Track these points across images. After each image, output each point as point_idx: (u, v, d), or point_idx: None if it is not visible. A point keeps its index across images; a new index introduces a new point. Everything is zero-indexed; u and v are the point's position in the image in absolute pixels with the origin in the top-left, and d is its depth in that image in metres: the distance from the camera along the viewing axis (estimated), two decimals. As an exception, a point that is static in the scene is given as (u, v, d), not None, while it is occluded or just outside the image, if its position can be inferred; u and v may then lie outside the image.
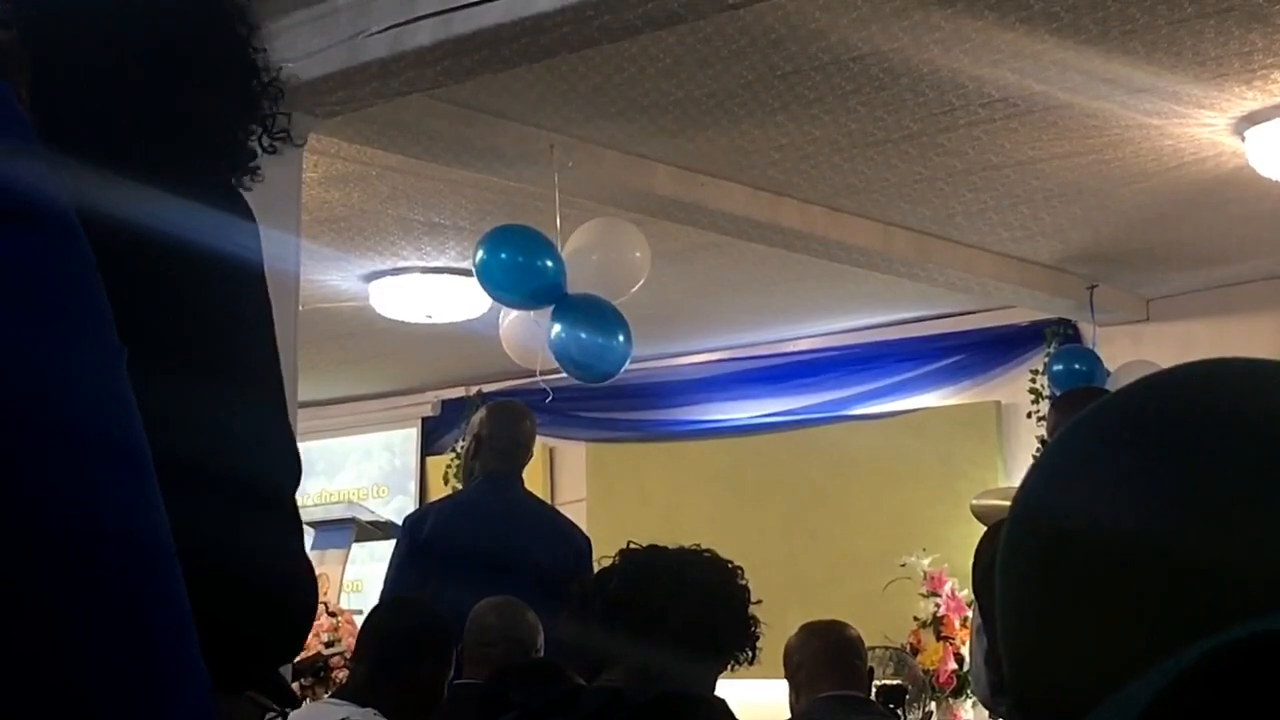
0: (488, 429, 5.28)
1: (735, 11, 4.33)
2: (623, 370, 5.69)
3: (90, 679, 0.87)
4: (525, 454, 5.35)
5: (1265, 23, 4.74)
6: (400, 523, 6.09)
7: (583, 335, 5.38)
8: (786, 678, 3.91)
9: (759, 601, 2.98)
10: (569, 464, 10.04)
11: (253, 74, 1.72)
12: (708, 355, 9.57)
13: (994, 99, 5.34)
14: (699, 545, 3.04)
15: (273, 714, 1.87)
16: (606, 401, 9.31)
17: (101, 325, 0.94)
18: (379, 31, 4.32)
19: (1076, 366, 7.75)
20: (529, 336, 5.72)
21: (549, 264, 5.38)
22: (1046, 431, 4.54)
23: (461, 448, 5.60)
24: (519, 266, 5.36)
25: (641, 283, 5.70)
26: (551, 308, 5.41)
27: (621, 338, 5.44)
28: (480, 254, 5.42)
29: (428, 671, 3.89)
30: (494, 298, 5.62)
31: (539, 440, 9.73)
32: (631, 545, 3.02)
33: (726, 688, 3.04)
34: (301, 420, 5.21)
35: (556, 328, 5.39)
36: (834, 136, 5.72)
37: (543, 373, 5.80)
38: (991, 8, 4.60)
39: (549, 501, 9.79)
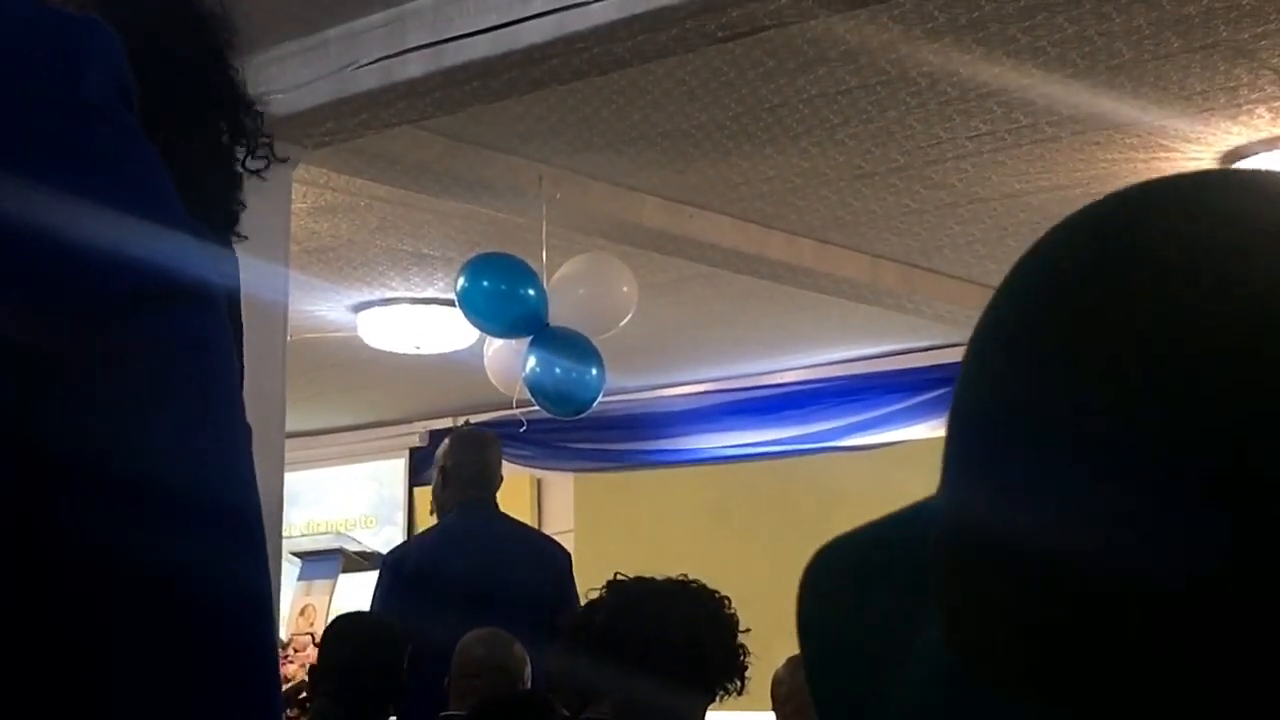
0: (451, 459, 5.27)
1: (724, 45, 4.34)
2: (608, 399, 5.69)
3: None
4: (495, 478, 5.34)
5: (1250, 58, 4.77)
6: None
7: (558, 369, 5.39)
8: (774, 709, 3.91)
9: (747, 631, 2.98)
10: (556, 494, 10.03)
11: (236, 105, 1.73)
12: (696, 386, 9.57)
13: (981, 132, 5.36)
14: (686, 576, 3.04)
15: None
16: (594, 432, 9.31)
17: (241, 404, 0.96)
18: (369, 63, 4.33)
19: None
20: (511, 366, 5.73)
21: (531, 293, 5.39)
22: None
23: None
24: (501, 294, 5.37)
25: (628, 318, 5.70)
26: (530, 338, 5.42)
27: (595, 371, 5.45)
28: (462, 281, 5.44)
29: (373, 686, 3.95)
30: (474, 324, 5.63)
31: (526, 471, 9.72)
32: (619, 577, 3.02)
33: (715, 719, 3.05)
34: (289, 450, 5.21)
35: (533, 360, 5.40)
36: (822, 169, 5.73)
37: (521, 403, 5.80)
38: (979, 42, 4.62)
39: (536, 532, 9.80)
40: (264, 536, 0.93)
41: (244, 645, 0.91)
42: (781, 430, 9.16)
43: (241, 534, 0.92)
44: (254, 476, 0.95)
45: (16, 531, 0.87)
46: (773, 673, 3.97)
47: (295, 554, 8.43)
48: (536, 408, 5.76)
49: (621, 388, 9.05)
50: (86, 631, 0.87)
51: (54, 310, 0.88)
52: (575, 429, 9.00)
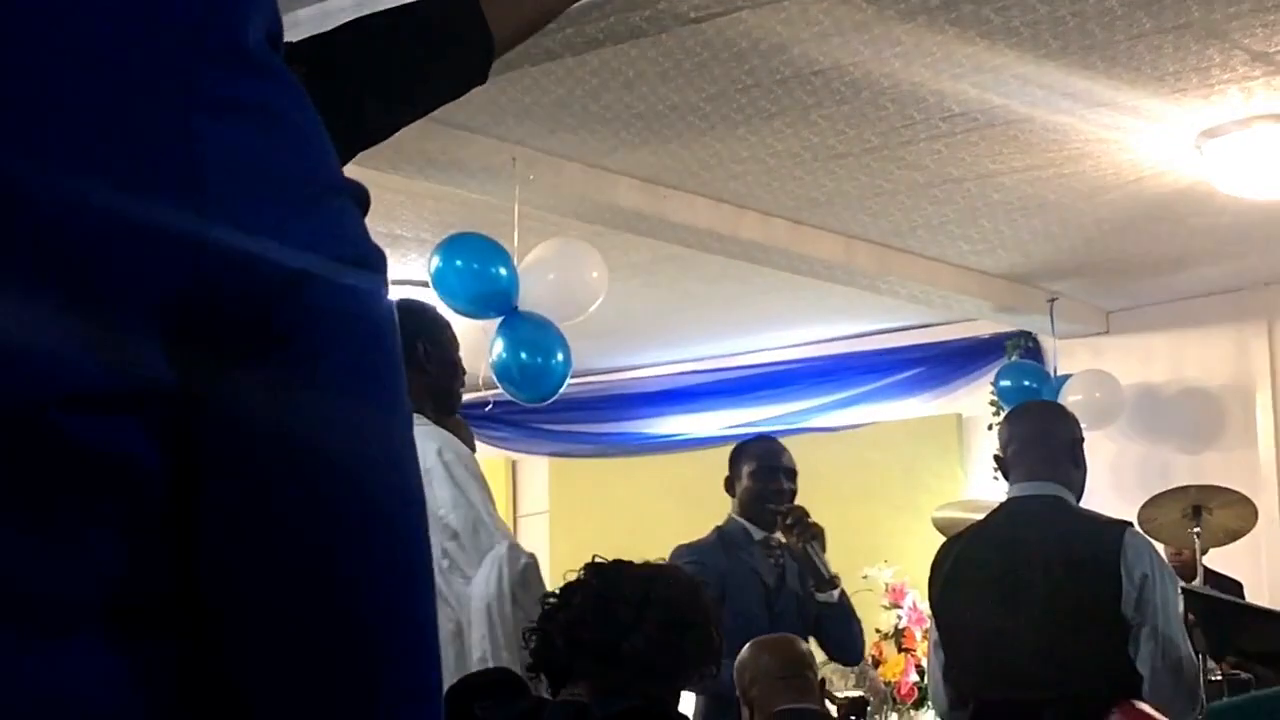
0: None
1: (697, 25, 4.34)
2: (581, 380, 5.69)
3: None
4: None
5: (1222, 39, 4.77)
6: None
7: (523, 354, 5.40)
8: (739, 695, 3.91)
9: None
10: (531, 477, 10.02)
11: None
12: (670, 368, 9.57)
13: (955, 113, 5.36)
14: (664, 560, 3.04)
15: None
16: (569, 414, 9.30)
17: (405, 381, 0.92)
18: (341, 44, 4.30)
19: (1025, 383, 7.79)
20: (478, 347, 5.72)
21: (502, 273, 5.39)
22: (999, 445, 4.54)
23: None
24: (473, 274, 5.37)
25: (599, 303, 5.70)
26: (500, 320, 5.42)
27: (560, 358, 5.46)
28: (436, 261, 5.44)
29: None
30: (446, 304, 5.61)
31: (501, 454, 9.71)
32: (597, 560, 3.02)
33: (690, 702, 3.05)
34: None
35: (500, 343, 5.40)
36: (795, 150, 5.73)
37: (489, 383, 5.79)
38: (952, 23, 4.62)
39: (511, 514, 9.80)
40: (423, 531, 0.89)
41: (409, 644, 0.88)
42: (756, 411, 9.17)
43: (403, 530, 0.87)
44: (417, 463, 0.91)
45: (173, 515, 0.83)
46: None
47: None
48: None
49: (596, 369, 9.06)
50: (244, 621, 0.85)
51: (225, 283, 0.82)
52: (550, 410, 8.98)
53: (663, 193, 6.13)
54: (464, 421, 5.08)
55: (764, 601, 5.03)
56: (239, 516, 0.83)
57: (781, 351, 9.19)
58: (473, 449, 4.93)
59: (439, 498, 3.86)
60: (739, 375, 9.29)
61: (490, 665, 3.72)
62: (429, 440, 3.96)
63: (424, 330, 4.18)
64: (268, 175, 0.85)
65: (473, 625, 3.78)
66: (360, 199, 0.91)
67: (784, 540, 5.11)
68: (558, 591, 3.02)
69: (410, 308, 4.30)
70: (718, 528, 5.26)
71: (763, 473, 5.15)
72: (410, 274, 7.36)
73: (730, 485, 5.26)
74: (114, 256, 0.79)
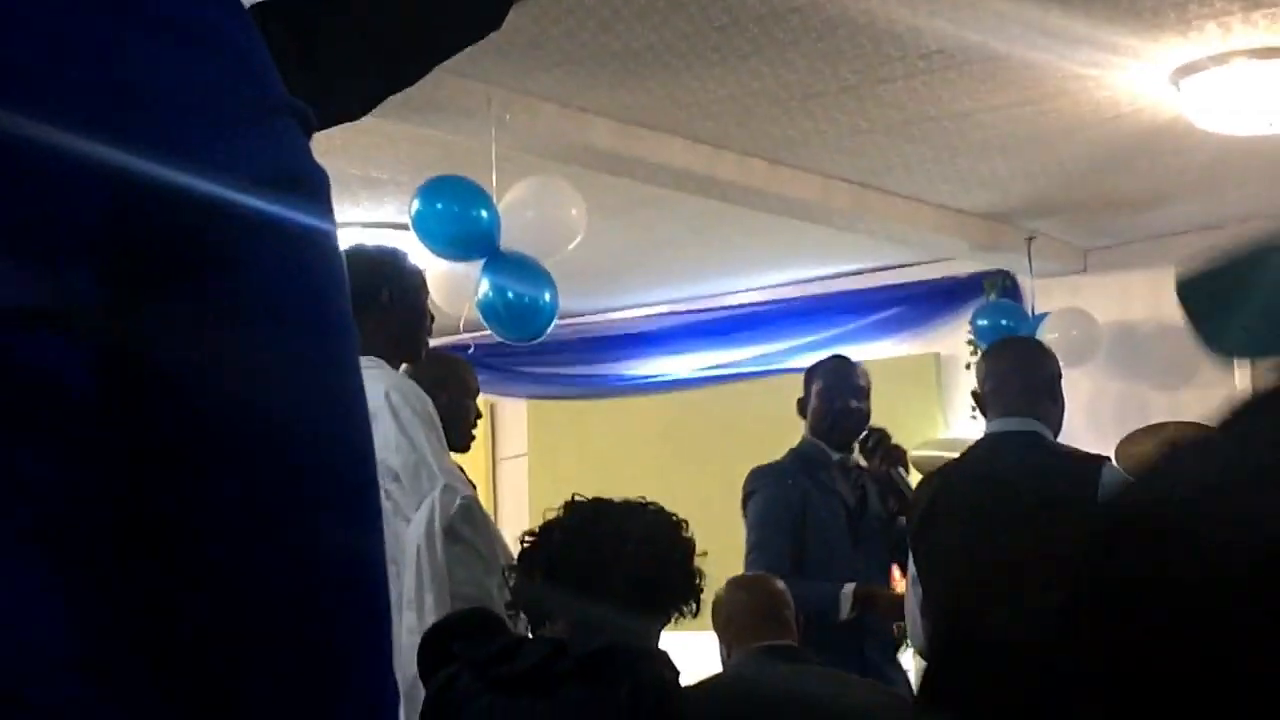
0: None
1: (673, -37, 4.31)
2: (559, 323, 5.69)
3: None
4: None
5: (1201, -27, 4.76)
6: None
7: (510, 294, 5.38)
8: (716, 633, 3.92)
9: (704, 554, 2.99)
10: (510, 420, 10.02)
11: None
12: (648, 309, 9.56)
13: (932, 51, 5.34)
14: (644, 498, 3.04)
15: None
16: (547, 356, 9.29)
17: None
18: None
19: (1003, 322, 7.81)
20: (459, 290, 5.70)
21: (484, 214, 5.38)
22: (977, 382, 4.56)
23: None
24: (454, 217, 5.35)
25: (577, 241, 5.69)
26: (483, 262, 5.41)
27: (549, 297, 5.45)
28: (416, 204, 5.43)
29: None
30: (428, 248, 5.60)
31: (480, 397, 9.70)
32: (576, 498, 3.02)
33: (670, 640, 3.06)
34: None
35: (485, 284, 5.39)
36: (772, 89, 5.71)
37: (469, 326, 5.78)
38: (929, -42, 4.60)
39: (490, 458, 9.80)
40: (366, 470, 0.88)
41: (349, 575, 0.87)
42: (734, 352, 9.17)
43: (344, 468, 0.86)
44: (363, 395, 0.89)
45: (107, 441, 0.81)
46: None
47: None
48: (485, 331, 5.75)
49: (573, 311, 9.04)
50: (186, 547, 0.83)
51: (152, 202, 0.81)
52: (527, 353, 8.99)
53: (639, 133, 6.11)
54: (466, 361, 5.07)
55: (847, 524, 5.02)
56: (175, 442, 0.82)
57: (759, 293, 9.18)
58: (476, 390, 4.92)
59: (384, 440, 3.84)
60: (717, 317, 9.29)
61: (412, 606, 3.74)
62: (378, 383, 3.94)
63: (391, 276, 4.17)
64: (204, 94, 0.83)
65: (405, 568, 3.79)
66: (304, 119, 0.90)
67: (864, 465, 5.10)
68: (536, 530, 3.02)
69: (377, 253, 4.29)
70: (793, 449, 5.23)
71: (832, 392, 5.13)
72: (388, 217, 7.33)
73: (802, 406, 5.24)
74: (39, 173, 0.77)
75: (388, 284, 4.11)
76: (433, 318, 4.37)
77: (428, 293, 4.37)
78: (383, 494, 3.71)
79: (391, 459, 3.83)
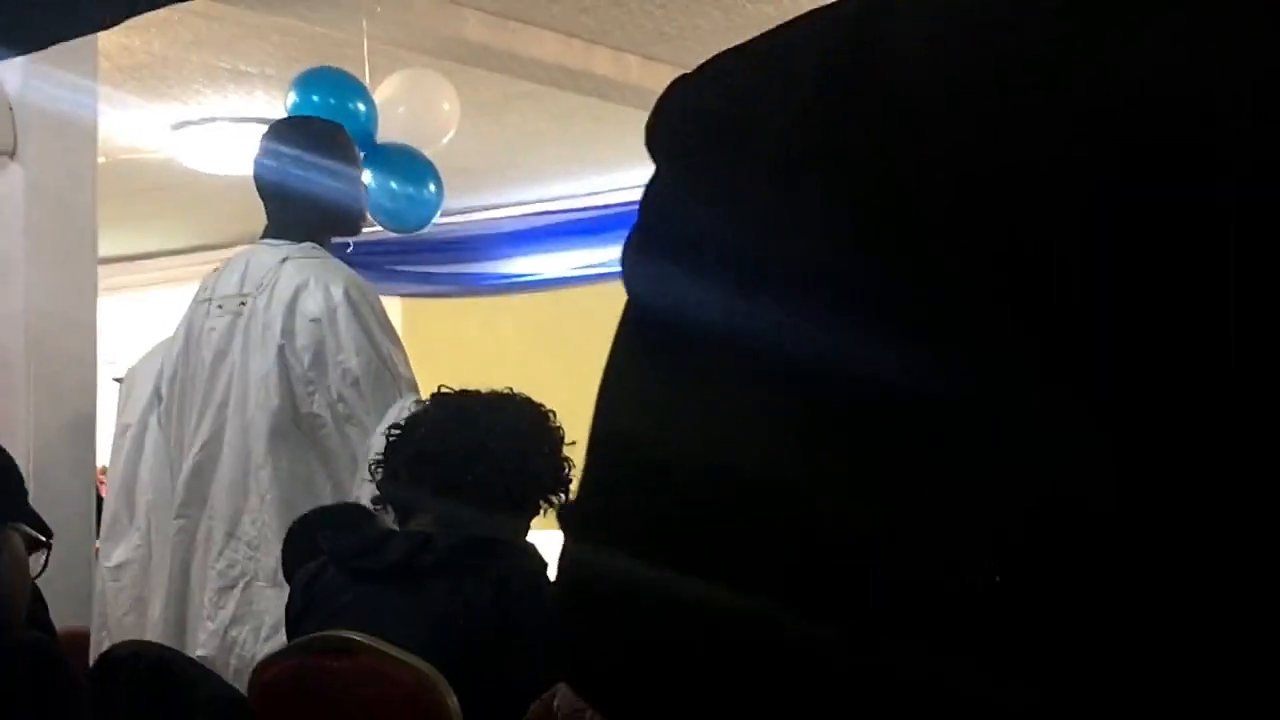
0: None
1: None
2: (434, 222, 5.64)
3: None
4: None
5: None
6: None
7: (394, 184, 5.32)
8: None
9: (573, 443, 2.97)
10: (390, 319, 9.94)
11: None
12: (523, 208, 9.51)
13: (807, -55, 5.31)
14: (510, 389, 3.02)
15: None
16: (422, 255, 9.23)
17: None
18: None
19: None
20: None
21: (361, 108, 5.31)
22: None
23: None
24: (331, 110, 5.27)
25: (451, 135, 5.63)
26: (362, 155, 5.33)
27: (433, 187, 5.40)
28: (292, 97, 5.36)
29: None
30: (304, 141, 5.52)
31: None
32: (442, 389, 3.00)
33: (544, 539, 3.04)
34: (107, 276, 5.09)
35: (367, 175, 5.32)
36: (647, -17, 5.66)
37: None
38: None
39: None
40: None
41: None
42: (609, 251, 9.14)
43: None
44: None
45: None
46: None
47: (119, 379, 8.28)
48: (369, 230, 5.69)
49: (448, 209, 8.96)
50: None
51: None
52: (402, 252, 8.93)
53: (511, 26, 6.03)
54: None
55: None
56: None
57: (635, 191, 9.08)
58: None
59: (342, 340, 3.72)
60: (593, 215, 9.25)
61: None
62: (335, 276, 3.84)
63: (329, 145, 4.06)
64: None
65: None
66: None
67: None
68: (401, 423, 3.00)
69: (312, 126, 4.19)
70: None
71: None
72: (258, 111, 7.21)
73: None
74: None
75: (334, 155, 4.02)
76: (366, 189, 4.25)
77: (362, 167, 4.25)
78: (335, 396, 3.62)
79: (351, 361, 3.66)
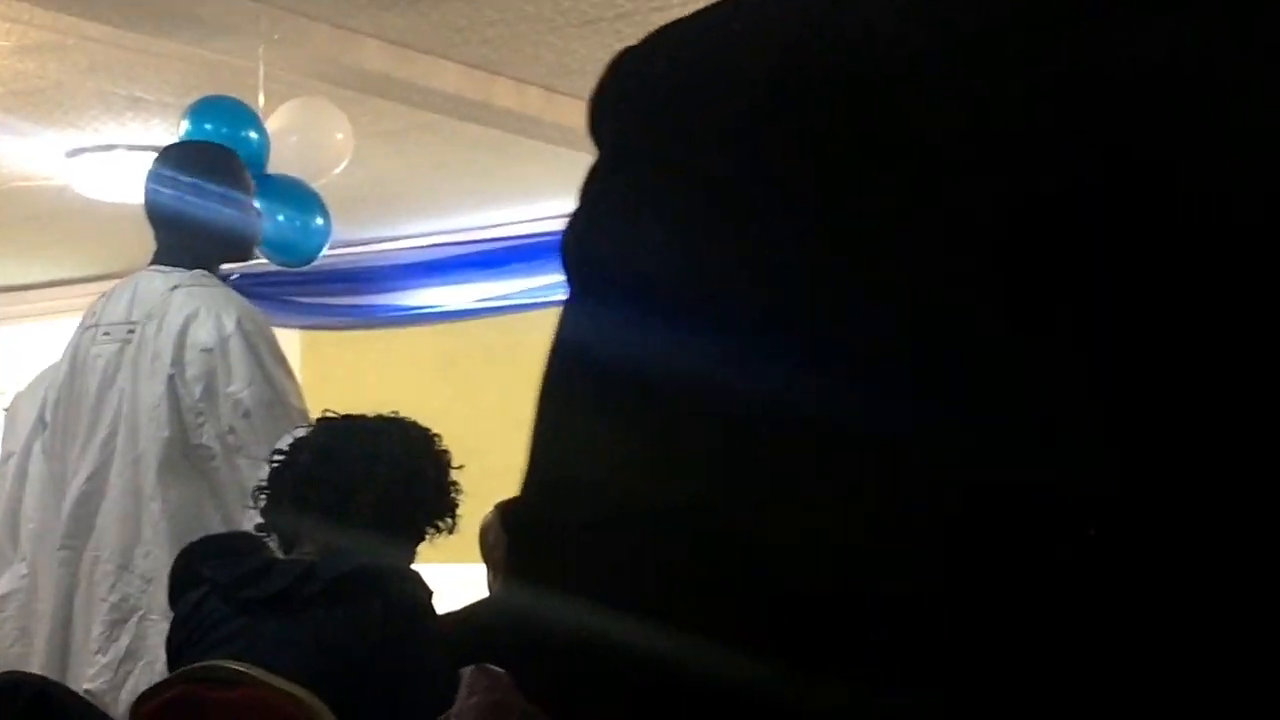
0: None
1: (443, -121, 4.24)
2: (334, 252, 5.60)
3: None
4: None
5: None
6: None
7: (280, 217, 5.28)
8: (483, 556, 3.89)
9: (460, 468, 2.95)
10: (284, 351, 9.86)
11: None
12: (424, 239, 9.46)
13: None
14: (396, 413, 3.00)
15: None
16: (320, 286, 9.16)
17: None
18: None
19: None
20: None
21: (253, 136, 5.26)
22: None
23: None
24: (222, 138, 5.22)
25: (344, 164, 5.60)
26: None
27: (320, 220, 5.35)
28: (185, 125, 5.32)
29: None
30: (197, 171, 5.48)
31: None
32: (327, 414, 2.97)
33: (433, 573, 3.01)
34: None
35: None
36: (548, 14, 5.65)
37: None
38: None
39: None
40: None
41: None
42: (510, 284, 9.12)
43: None
44: None
45: None
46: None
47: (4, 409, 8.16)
48: (260, 260, 5.64)
49: (346, 240, 8.91)
50: None
51: None
52: (301, 283, 8.86)
53: (412, 56, 6.01)
54: None
55: None
56: None
57: (538, 224, 9.12)
58: None
59: (234, 371, 3.67)
60: (494, 247, 9.22)
61: None
62: (227, 305, 3.78)
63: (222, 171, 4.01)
64: None
65: None
66: None
67: None
68: (285, 449, 2.96)
69: (203, 151, 4.15)
70: None
71: None
72: (155, 139, 7.13)
73: None
74: None
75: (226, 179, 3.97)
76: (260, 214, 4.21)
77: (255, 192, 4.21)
78: (225, 428, 3.57)
79: (242, 392, 3.61)
